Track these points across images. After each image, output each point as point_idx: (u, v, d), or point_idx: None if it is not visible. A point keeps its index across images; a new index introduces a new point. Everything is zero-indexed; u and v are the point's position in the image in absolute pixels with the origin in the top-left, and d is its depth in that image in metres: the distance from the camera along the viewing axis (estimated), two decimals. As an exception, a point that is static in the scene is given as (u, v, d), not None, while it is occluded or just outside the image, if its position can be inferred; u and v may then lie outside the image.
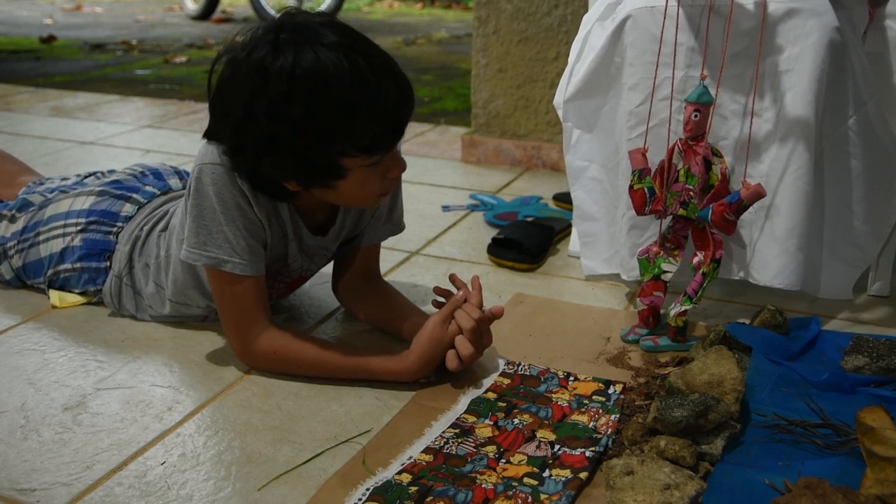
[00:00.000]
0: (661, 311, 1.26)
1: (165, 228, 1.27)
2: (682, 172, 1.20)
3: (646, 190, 1.21)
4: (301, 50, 0.96)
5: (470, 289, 1.15)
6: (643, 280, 1.25)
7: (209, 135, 1.08)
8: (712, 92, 1.15)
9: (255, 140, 1.00)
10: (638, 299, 1.26)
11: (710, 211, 1.17)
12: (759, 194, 1.14)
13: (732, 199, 1.15)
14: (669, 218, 1.24)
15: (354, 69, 0.97)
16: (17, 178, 1.62)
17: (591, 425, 1.00)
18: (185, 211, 1.12)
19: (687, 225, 1.23)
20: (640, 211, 1.23)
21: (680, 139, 1.19)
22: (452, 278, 1.17)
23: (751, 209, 1.25)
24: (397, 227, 1.31)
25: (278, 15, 1.03)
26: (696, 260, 1.21)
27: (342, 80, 0.96)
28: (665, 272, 1.23)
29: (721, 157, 1.19)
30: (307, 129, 0.98)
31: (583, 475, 0.90)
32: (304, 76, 0.96)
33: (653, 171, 1.22)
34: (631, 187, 1.23)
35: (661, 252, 1.24)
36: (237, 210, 1.09)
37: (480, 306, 1.12)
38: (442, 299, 1.16)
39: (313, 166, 1.02)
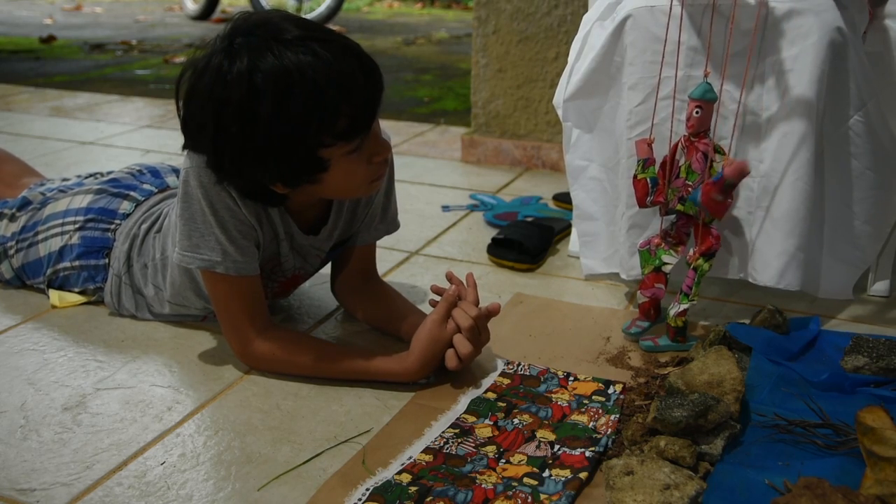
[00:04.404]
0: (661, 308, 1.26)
1: (160, 230, 1.27)
2: (683, 168, 1.20)
3: (648, 180, 1.21)
4: (256, 51, 0.96)
5: (465, 285, 1.14)
6: (644, 272, 1.25)
7: (187, 147, 1.07)
8: (716, 90, 1.15)
9: (232, 150, 1.00)
10: (639, 292, 1.26)
11: (700, 191, 1.16)
12: (742, 171, 1.12)
13: (717, 178, 1.14)
14: (674, 215, 1.24)
15: (314, 57, 0.95)
16: (21, 178, 1.62)
17: (590, 425, 1.00)
18: (176, 215, 1.12)
19: (689, 222, 1.23)
20: (641, 202, 1.23)
21: (684, 136, 1.19)
22: (449, 276, 1.16)
23: (750, 208, 1.25)
24: (392, 226, 1.31)
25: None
26: (689, 255, 1.21)
27: (303, 71, 0.95)
28: (665, 264, 1.23)
29: (724, 153, 1.19)
30: (279, 128, 0.97)
31: (582, 475, 0.90)
32: (264, 76, 0.95)
33: (657, 164, 1.22)
34: (635, 177, 1.23)
35: (662, 244, 1.24)
36: (227, 212, 1.09)
37: (477, 304, 1.12)
38: (439, 297, 1.16)
39: (294, 164, 1.01)
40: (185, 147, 1.07)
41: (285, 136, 0.97)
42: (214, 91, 0.97)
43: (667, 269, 1.24)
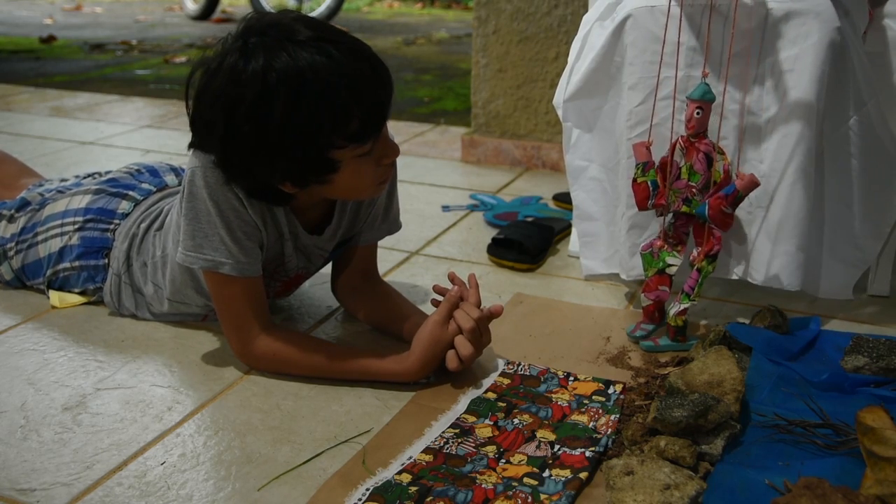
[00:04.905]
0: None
1: (161, 227, 1.27)
2: (684, 170, 1.20)
3: (649, 183, 1.21)
4: (271, 50, 0.96)
5: (467, 286, 1.14)
6: (647, 275, 1.25)
7: (194, 146, 1.07)
8: (714, 90, 1.15)
9: (243, 149, 1.00)
10: (642, 294, 1.26)
11: (707, 206, 1.17)
12: (753, 183, 1.14)
13: (728, 190, 1.15)
14: (671, 214, 1.24)
15: (327, 58, 0.96)
16: (19, 179, 1.62)
17: (590, 425, 1.00)
18: (180, 213, 1.12)
19: (688, 221, 1.23)
20: (642, 205, 1.23)
21: (681, 136, 1.19)
22: (451, 277, 1.17)
23: (750, 209, 1.25)
24: (394, 226, 1.32)
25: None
26: (692, 256, 1.21)
27: (317, 72, 0.96)
28: (670, 266, 1.23)
29: (724, 153, 1.19)
30: (291, 128, 0.97)
31: (583, 475, 0.90)
32: (278, 76, 0.95)
33: (656, 166, 1.22)
34: (634, 180, 1.22)
35: (665, 246, 1.24)
36: (232, 212, 1.09)
37: (479, 305, 1.12)
38: (441, 298, 1.16)
39: (304, 165, 1.02)
40: (192, 145, 1.07)
41: (297, 136, 0.98)
42: (227, 89, 0.97)
43: (671, 270, 1.23)
